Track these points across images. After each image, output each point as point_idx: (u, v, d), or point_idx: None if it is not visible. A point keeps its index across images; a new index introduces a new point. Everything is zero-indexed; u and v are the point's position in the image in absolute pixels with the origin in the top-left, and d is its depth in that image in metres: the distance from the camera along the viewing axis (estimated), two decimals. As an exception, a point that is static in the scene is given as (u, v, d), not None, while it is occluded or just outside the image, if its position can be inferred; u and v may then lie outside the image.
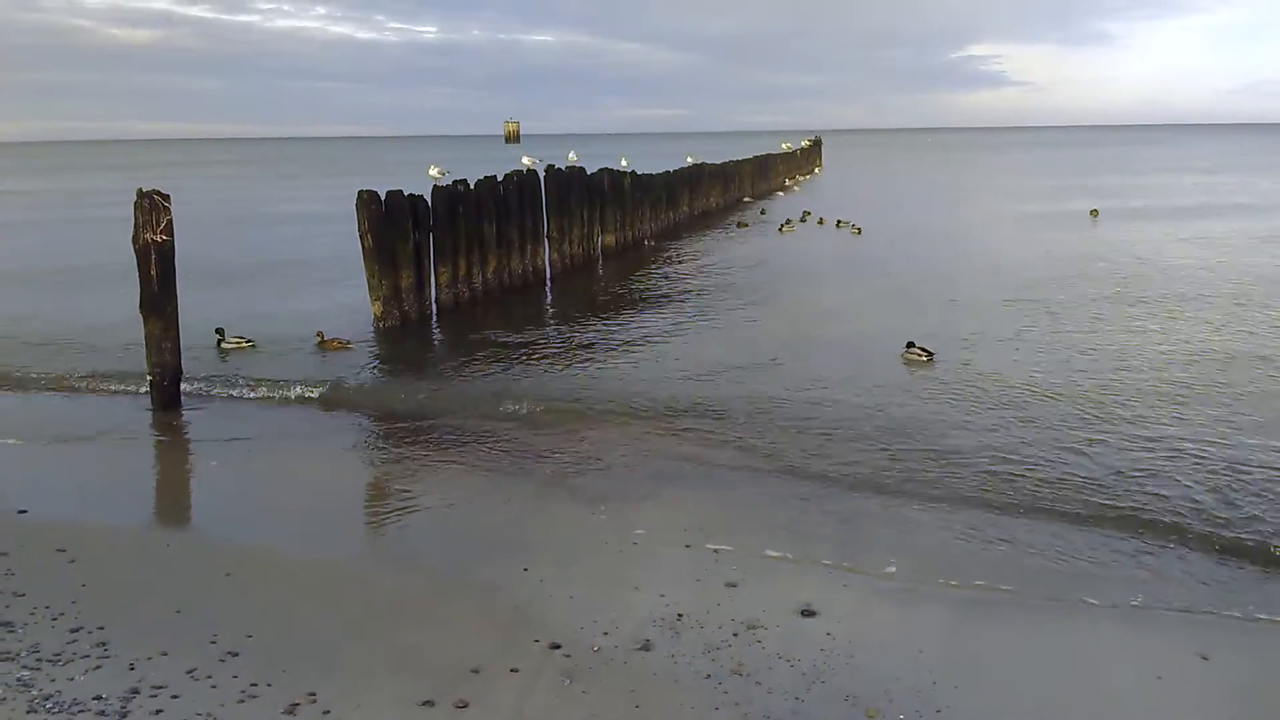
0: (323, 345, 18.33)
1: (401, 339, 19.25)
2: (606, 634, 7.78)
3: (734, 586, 8.68)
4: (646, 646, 7.60)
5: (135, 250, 14.10)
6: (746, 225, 39.91)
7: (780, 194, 58.13)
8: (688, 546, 9.58)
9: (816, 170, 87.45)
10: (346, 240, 22.10)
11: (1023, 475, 11.33)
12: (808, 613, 8.18)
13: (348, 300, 22.53)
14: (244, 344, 18.26)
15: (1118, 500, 10.60)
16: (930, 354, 16.66)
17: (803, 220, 39.83)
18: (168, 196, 14.06)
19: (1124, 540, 9.69)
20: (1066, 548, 9.53)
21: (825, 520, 10.24)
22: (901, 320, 19.64)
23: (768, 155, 65.31)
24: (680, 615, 8.11)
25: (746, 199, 51.93)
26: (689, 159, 48.02)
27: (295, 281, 27.05)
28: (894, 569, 9.12)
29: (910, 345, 16.95)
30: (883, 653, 7.57)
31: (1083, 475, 11.31)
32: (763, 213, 44.90)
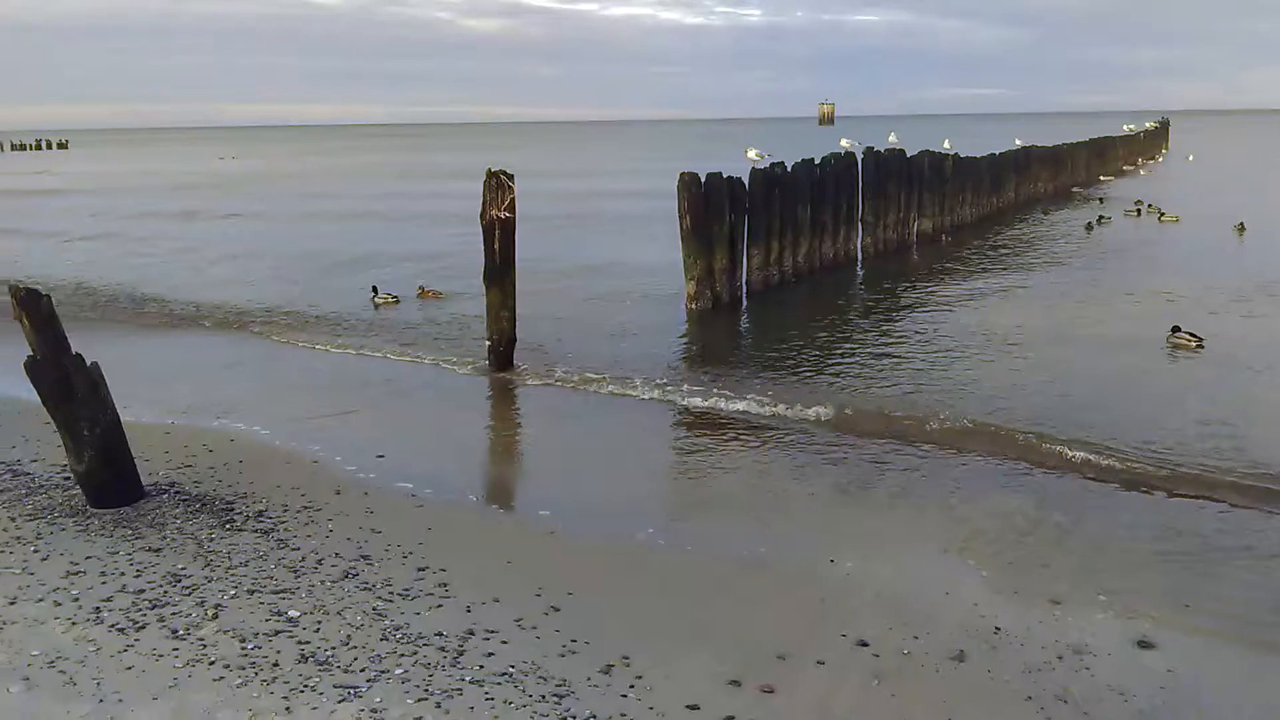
0: (421, 295, 21.79)
1: (713, 320, 19.57)
2: (917, 639, 7.50)
3: (1058, 604, 8.07)
4: (960, 657, 7.24)
5: (482, 225, 15.33)
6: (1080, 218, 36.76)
7: (1113, 179, 53.14)
8: (1001, 554, 9.05)
9: (1161, 155, 79.21)
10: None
11: None
12: (1145, 644, 7.46)
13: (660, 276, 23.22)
14: (391, 300, 21.26)
15: None
16: (1200, 340, 16.00)
17: (1138, 214, 35.51)
18: (512, 176, 15.14)
19: None
20: None
21: (1176, 542, 9.28)
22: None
23: (1105, 138, 60.08)
24: (997, 629, 7.66)
25: (1076, 187, 47.97)
26: (1017, 141, 45.33)
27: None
28: (1246, 609, 8.12)
29: (1176, 330, 16.35)
30: (1238, 706, 6.74)
31: None
32: (1101, 201, 41.20)
